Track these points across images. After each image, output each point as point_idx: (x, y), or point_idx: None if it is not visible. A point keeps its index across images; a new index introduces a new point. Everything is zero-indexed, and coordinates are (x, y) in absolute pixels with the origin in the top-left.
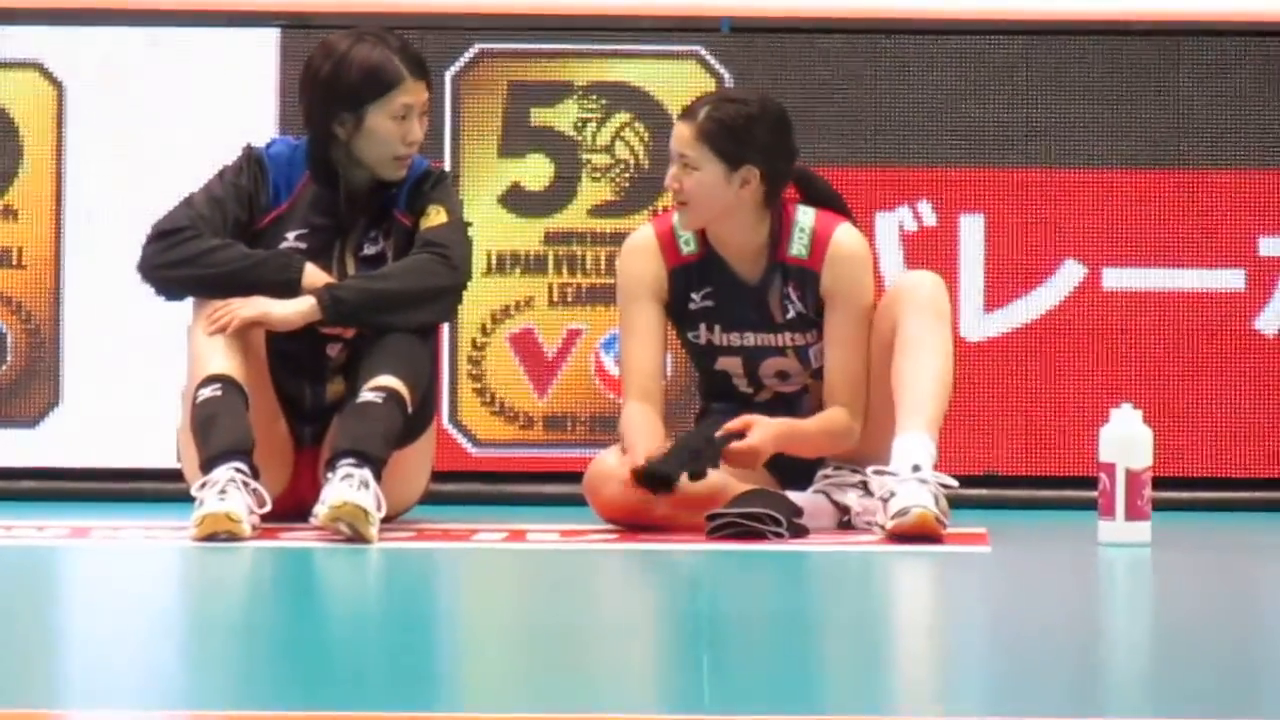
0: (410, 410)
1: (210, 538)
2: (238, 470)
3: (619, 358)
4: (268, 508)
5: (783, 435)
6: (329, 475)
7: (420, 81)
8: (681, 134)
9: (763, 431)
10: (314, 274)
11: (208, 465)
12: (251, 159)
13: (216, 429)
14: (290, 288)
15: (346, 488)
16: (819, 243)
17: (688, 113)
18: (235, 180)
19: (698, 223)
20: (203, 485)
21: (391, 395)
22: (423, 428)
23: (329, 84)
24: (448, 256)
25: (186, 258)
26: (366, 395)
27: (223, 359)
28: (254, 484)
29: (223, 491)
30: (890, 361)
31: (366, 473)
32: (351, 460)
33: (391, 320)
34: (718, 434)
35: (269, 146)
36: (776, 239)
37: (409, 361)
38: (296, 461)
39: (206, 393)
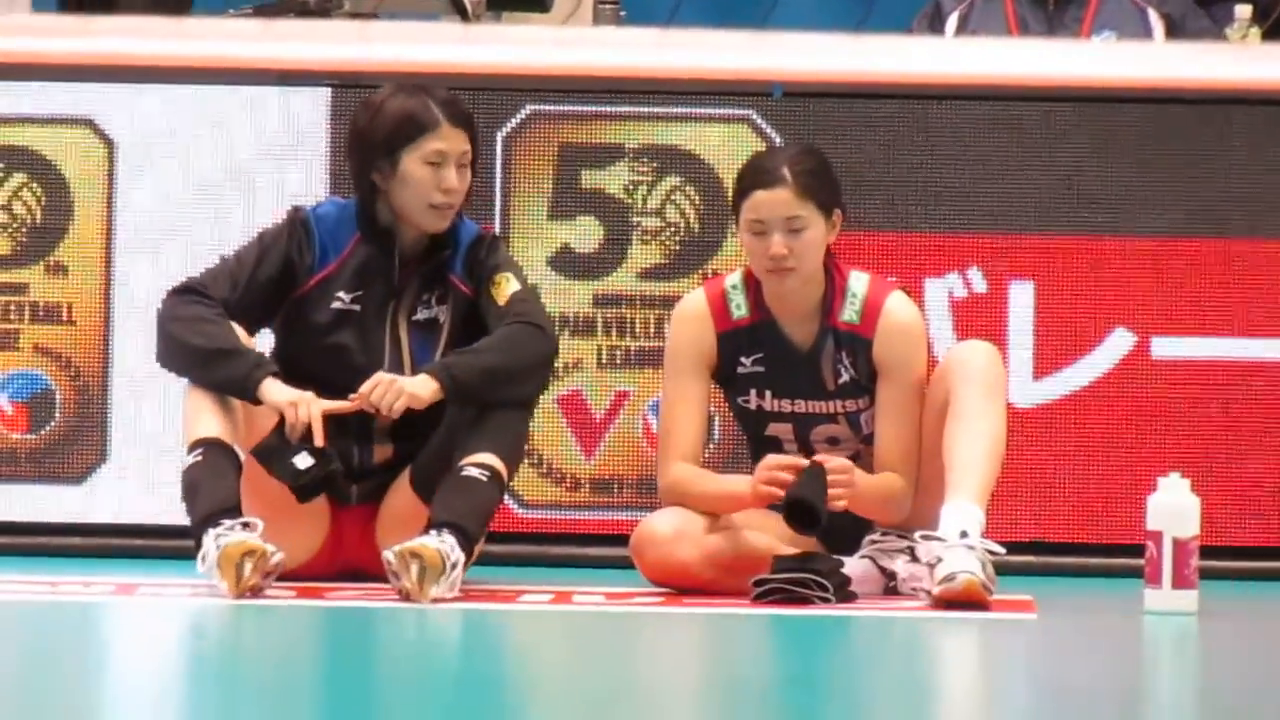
0: (504, 490)
1: (238, 571)
2: (225, 525)
3: (660, 422)
4: (260, 528)
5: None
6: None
7: (457, 129)
8: (780, 199)
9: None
10: (274, 389)
11: (194, 533)
12: (296, 221)
13: (199, 496)
14: (242, 394)
15: (437, 542)
16: (871, 309)
17: (768, 179)
18: (274, 243)
19: (802, 281)
20: (202, 559)
21: (495, 476)
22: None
23: (366, 132)
24: (540, 325)
25: (183, 318)
26: (470, 470)
27: (209, 422)
28: (243, 519)
29: (220, 537)
30: (942, 432)
31: (460, 555)
32: (451, 534)
33: (503, 395)
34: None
35: (317, 208)
36: (829, 303)
37: (511, 440)
38: (342, 520)
39: (190, 459)
